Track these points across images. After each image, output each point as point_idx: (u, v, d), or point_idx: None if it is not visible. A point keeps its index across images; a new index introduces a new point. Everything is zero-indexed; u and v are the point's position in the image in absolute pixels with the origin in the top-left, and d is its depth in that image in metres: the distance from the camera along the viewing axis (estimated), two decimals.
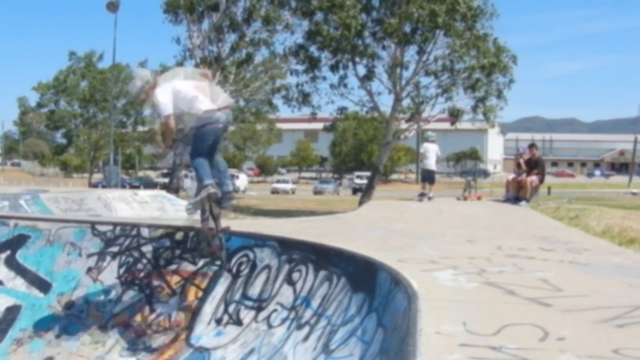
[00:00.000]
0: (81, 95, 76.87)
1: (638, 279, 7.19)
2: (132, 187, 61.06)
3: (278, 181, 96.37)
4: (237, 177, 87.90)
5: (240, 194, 78.21)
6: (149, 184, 75.13)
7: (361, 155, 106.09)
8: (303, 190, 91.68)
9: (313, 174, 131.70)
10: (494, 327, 4.53)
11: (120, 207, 27.94)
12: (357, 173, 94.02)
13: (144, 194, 32.72)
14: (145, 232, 12.21)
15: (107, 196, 28.88)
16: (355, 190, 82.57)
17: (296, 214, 31.93)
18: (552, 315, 5.06)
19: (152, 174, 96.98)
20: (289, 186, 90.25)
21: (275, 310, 9.25)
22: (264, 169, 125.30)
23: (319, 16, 40.19)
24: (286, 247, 10.06)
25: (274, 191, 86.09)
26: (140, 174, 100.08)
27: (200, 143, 10.03)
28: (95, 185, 67.17)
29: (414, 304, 5.20)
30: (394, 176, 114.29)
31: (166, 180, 68.55)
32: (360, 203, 38.91)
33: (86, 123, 79.06)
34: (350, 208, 35.10)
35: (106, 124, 70.89)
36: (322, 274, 8.92)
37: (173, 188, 43.21)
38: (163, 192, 35.83)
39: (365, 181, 68.47)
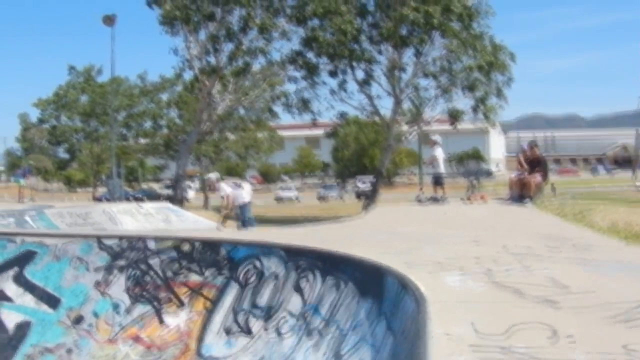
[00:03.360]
0: (81, 110, 77.01)
1: None
2: (136, 199, 61.05)
3: (282, 189, 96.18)
4: (242, 186, 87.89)
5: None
6: (153, 196, 75.00)
7: (363, 160, 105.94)
8: (306, 196, 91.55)
9: (316, 180, 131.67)
10: (503, 328, 4.56)
11: (125, 220, 28.04)
12: (359, 177, 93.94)
13: (149, 206, 32.80)
14: (151, 244, 12.27)
15: (112, 209, 28.97)
16: (358, 195, 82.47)
17: (301, 221, 31.93)
18: (560, 314, 5.09)
19: (155, 186, 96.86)
20: (292, 193, 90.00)
21: (284, 319, 9.30)
22: (267, 177, 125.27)
23: (314, 22, 40.28)
24: (293, 255, 10.10)
25: (278, 199, 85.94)
26: (144, 186, 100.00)
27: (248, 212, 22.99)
28: (99, 199, 67.03)
29: (423, 307, 5.23)
30: (397, 179, 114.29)
31: (170, 191, 68.55)
32: (365, 207, 38.94)
33: (88, 137, 79.17)
34: (354, 213, 35.01)
35: (108, 137, 70.91)
36: (330, 280, 8.94)
37: (177, 199, 43.14)
38: (167, 204, 35.86)
39: (368, 185, 68.49)
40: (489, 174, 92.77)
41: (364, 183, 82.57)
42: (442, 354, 3.96)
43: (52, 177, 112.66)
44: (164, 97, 76.53)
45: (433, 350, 4.06)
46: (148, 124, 77.84)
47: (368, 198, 44.28)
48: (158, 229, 23.58)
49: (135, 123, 77.42)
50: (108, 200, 53.10)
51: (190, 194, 77.14)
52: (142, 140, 79.61)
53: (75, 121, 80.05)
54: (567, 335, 4.36)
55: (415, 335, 4.68)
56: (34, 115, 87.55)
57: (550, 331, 4.46)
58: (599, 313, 5.07)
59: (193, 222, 30.60)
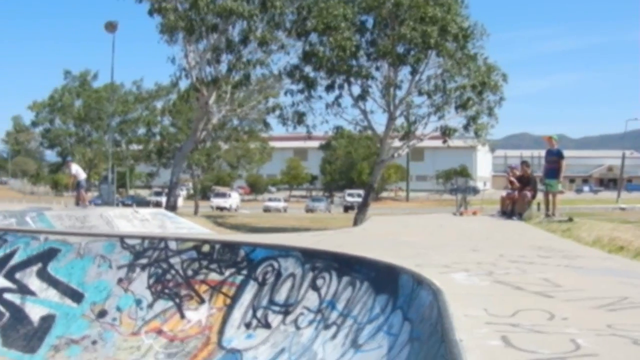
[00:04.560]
0: (76, 114, 77.70)
1: (626, 278, 8.19)
2: (125, 205, 61.37)
3: (270, 199, 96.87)
4: (229, 195, 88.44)
5: (233, 212, 78.69)
6: (141, 203, 74.98)
7: (351, 174, 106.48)
8: (294, 208, 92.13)
9: (303, 192, 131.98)
10: (510, 312, 5.53)
11: (122, 224, 28.51)
12: (348, 191, 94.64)
13: (145, 212, 33.37)
14: (172, 245, 13.03)
15: (109, 214, 29.54)
16: (346, 208, 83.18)
17: (291, 231, 32.57)
18: (555, 304, 6.06)
19: (143, 193, 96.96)
20: (280, 204, 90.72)
21: (302, 314, 9.89)
22: (255, 187, 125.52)
23: (313, 37, 41.05)
24: (309, 257, 10.76)
25: (266, 209, 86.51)
26: (131, 192, 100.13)
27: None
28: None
29: (441, 296, 6.18)
30: (384, 194, 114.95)
31: (158, 199, 69.21)
32: (355, 220, 39.80)
33: (81, 141, 79.79)
34: (345, 225, 35.85)
35: (101, 143, 71.51)
36: (345, 279, 9.57)
37: (170, 206, 43.73)
38: (163, 210, 36.56)
39: (356, 199, 69.24)
40: (475, 191, 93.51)
41: (353, 197, 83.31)
42: (465, 328, 4.92)
43: (39, 181, 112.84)
44: (159, 104, 77.28)
45: (456, 325, 5.02)
46: (141, 131, 78.53)
47: (359, 211, 45.02)
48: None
49: (129, 129, 78.09)
50: (97, 205, 53.58)
51: (178, 201, 77.55)
52: (135, 147, 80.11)
53: (69, 125, 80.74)
54: (563, 317, 5.37)
55: (437, 317, 5.58)
56: (28, 118, 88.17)
57: (548, 314, 5.45)
58: (588, 304, 6.09)
59: (188, 229, 31.14)
